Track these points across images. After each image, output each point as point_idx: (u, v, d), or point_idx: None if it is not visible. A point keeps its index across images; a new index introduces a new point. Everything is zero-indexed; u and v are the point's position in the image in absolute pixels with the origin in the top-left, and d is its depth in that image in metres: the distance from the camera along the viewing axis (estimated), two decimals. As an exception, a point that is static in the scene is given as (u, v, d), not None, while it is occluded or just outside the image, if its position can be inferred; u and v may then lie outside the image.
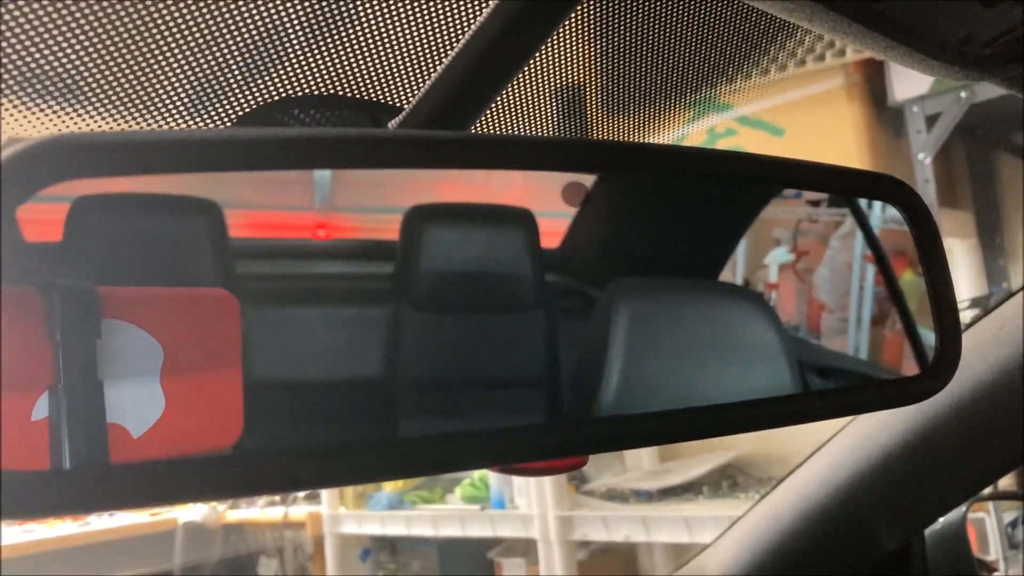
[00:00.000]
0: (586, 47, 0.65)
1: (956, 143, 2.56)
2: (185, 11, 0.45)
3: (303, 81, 0.53)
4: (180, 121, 0.52)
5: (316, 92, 0.54)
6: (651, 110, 0.78)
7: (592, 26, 0.63)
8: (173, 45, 0.47)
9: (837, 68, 2.30)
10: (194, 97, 0.50)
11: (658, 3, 0.62)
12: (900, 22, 0.52)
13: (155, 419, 0.44)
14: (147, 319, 0.44)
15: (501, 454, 0.46)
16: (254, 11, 0.46)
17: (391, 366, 0.65)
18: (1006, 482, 1.83)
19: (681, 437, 0.58)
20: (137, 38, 0.45)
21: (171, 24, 0.45)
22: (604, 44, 0.65)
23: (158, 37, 0.46)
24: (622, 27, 0.63)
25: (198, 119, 0.52)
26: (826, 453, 1.01)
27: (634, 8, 0.61)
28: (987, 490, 1.08)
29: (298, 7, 0.48)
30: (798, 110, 2.26)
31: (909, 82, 2.27)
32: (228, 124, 0.52)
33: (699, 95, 0.79)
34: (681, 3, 0.63)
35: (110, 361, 0.43)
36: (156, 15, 0.45)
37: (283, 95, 0.53)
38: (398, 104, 0.60)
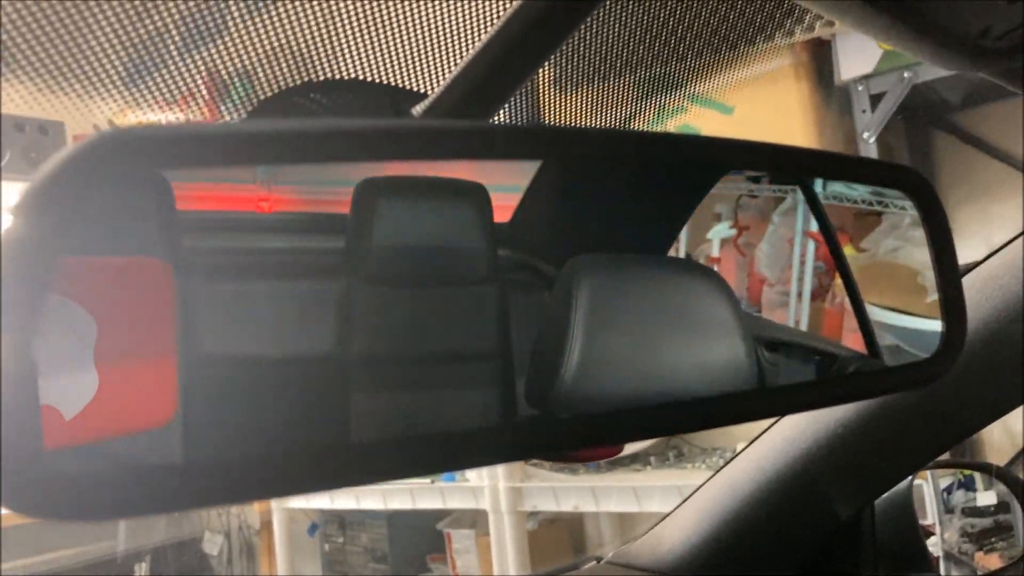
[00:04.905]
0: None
1: (896, 122, 2.62)
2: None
3: (326, 65, 0.52)
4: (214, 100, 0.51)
5: (338, 77, 0.53)
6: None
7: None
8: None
9: (784, 47, 2.33)
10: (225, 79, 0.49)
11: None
12: (927, 17, 0.54)
13: (88, 399, 0.41)
14: (82, 292, 0.41)
15: (456, 457, 0.44)
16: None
17: (344, 341, 0.64)
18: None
19: (667, 431, 0.56)
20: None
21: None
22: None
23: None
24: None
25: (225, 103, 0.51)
26: (783, 425, 1.04)
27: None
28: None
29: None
30: (746, 89, 2.28)
31: (854, 62, 2.31)
32: (250, 107, 0.52)
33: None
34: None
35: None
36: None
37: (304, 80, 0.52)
38: (419, 90, 0.59)
